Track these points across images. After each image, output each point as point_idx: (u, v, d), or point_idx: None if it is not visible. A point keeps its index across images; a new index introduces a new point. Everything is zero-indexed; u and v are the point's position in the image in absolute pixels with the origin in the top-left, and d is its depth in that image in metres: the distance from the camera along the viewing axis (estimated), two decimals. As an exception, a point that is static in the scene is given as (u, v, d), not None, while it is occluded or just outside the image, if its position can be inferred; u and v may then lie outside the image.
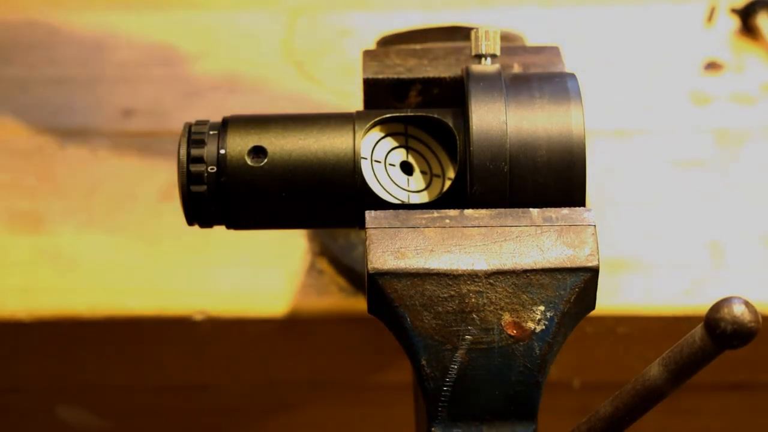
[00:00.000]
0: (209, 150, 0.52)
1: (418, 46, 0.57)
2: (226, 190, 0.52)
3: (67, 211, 0.70)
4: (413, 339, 0.47)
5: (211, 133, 0.53)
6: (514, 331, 0.47)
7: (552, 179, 0.50)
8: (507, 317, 0.47)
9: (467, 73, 0.52)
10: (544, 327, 0.47)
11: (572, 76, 0.52)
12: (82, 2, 0.83)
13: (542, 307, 0.47)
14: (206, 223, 0.54)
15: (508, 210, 0.49)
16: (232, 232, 0.55)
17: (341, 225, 0.55)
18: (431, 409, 0.47)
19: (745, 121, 0.74)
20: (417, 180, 0.53)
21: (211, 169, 0.52)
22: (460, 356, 0.47)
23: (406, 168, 0.53)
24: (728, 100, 0.76)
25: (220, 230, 0.56)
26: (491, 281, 0.47)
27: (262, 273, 0.67)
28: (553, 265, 0.47)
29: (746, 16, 0.79)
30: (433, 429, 0.48)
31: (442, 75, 0.55)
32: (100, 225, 0.70)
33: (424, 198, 0.53)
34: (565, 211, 0.49)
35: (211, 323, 0.66)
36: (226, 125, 0.53)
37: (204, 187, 0.52)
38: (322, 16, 0.82)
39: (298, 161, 0.52)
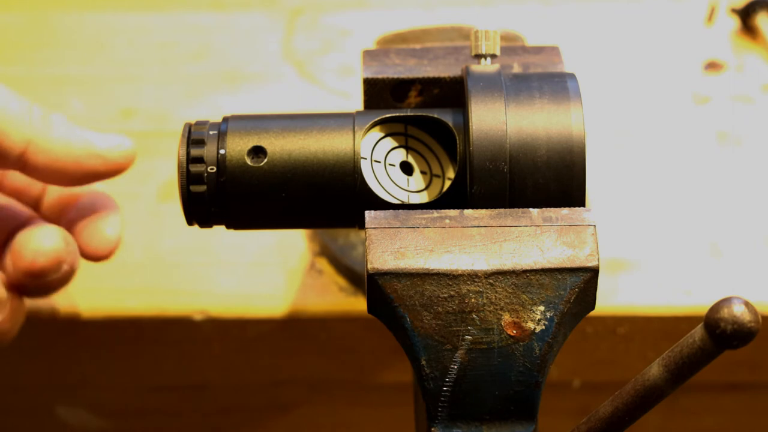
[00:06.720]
0: (209, 150, 0.52)
1: (418, 46, 0.57)
2: (226, 190, 0.52)
3: (67, 211, 0.70)
4: (413, 339, 0.47)
5: (210, 133, 0.53)
6: (514, 331, 0.47)
7: (552, 179, 0.50)
8: (507, 317, 0.47)
9: (467, 73, 0.52)
10: (544, 327, 0.47)
11: (572, 76, 0.52)
12: (82, 2, 0.83)
13: (542, 307, 0.47)
14: (206, 223, 0.54)
15: (508, 210, 0.49)
16: (232, 232, 0.55)
17: (341, 225, 0.55)
18: (431, 409, 0.47)
19: (745, 121, 0.74)
20: (417, 180, 0.53)
21: (211, 169, 0.52)
22: (460, 356, 0.47)
23: (406, 168, 0.53)
24: (728, 100, 0.76)
25: (220, 230, 0.55)
26: (491, 281, 0.47)
27: (262, 273, 0.67)
28: (553, 265, 0.47)
29: (746, 16, 0.79)
30: (433, 429, 0.48)
31: (442, 75, 0.55)
32: (100, 225, 0.70)
33: (424, 198, 0.53)
34: (565, 211, 0.49)
35: (211, 323, 0.66)
36: (226, 125, 0.53)
37: (204, 187, 0.52)
38: (322, 16, 0.82)
39: (297, 161, 0.52)
